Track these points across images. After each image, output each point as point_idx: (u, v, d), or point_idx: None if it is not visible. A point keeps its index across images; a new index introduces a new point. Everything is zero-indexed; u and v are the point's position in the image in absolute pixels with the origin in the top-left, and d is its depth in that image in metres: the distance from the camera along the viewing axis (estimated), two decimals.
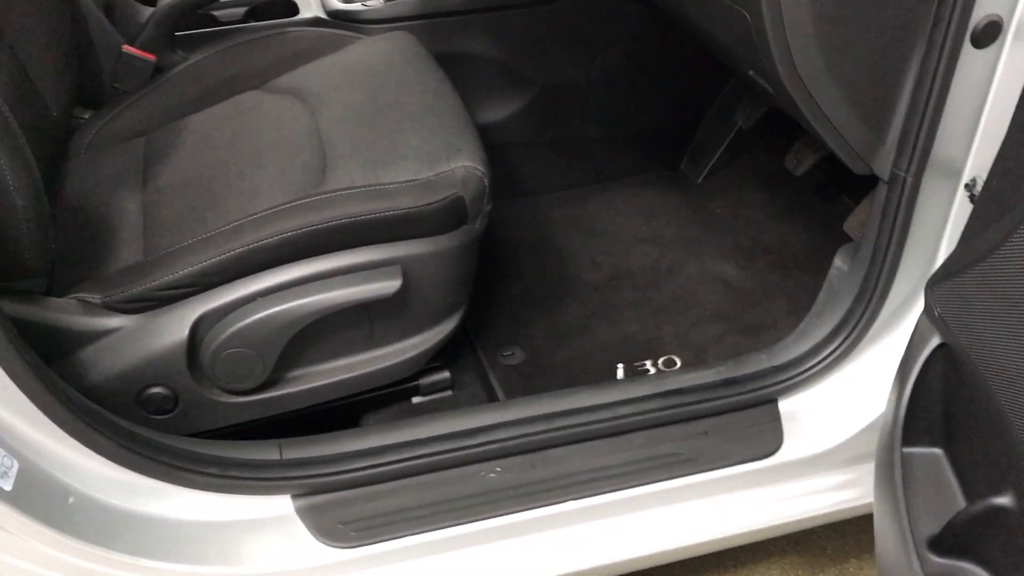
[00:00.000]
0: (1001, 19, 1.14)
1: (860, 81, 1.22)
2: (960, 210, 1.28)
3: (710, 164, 2.11)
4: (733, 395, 1.40)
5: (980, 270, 0.92)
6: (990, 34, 1.15)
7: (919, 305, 1.24)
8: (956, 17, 1.13)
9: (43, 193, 1.20)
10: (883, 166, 1.28)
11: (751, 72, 1.37)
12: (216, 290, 1.29)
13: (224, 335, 1.29)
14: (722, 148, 2.10)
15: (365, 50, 1.71)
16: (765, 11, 1.15)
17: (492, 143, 2.02)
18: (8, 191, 1.12)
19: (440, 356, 1.52)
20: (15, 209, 1.14)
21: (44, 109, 1.54)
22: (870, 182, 1.34)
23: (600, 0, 1.93)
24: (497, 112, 2.04)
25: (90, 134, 1.68)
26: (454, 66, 1.73)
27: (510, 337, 1.72)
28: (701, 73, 2.04)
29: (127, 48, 1.79)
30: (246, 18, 2.03)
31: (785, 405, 1.43)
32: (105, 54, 1.79)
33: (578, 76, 2.04)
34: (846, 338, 1.37)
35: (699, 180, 2.12)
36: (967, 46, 1.15)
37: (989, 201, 0.99)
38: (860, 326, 1.37)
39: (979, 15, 1.13)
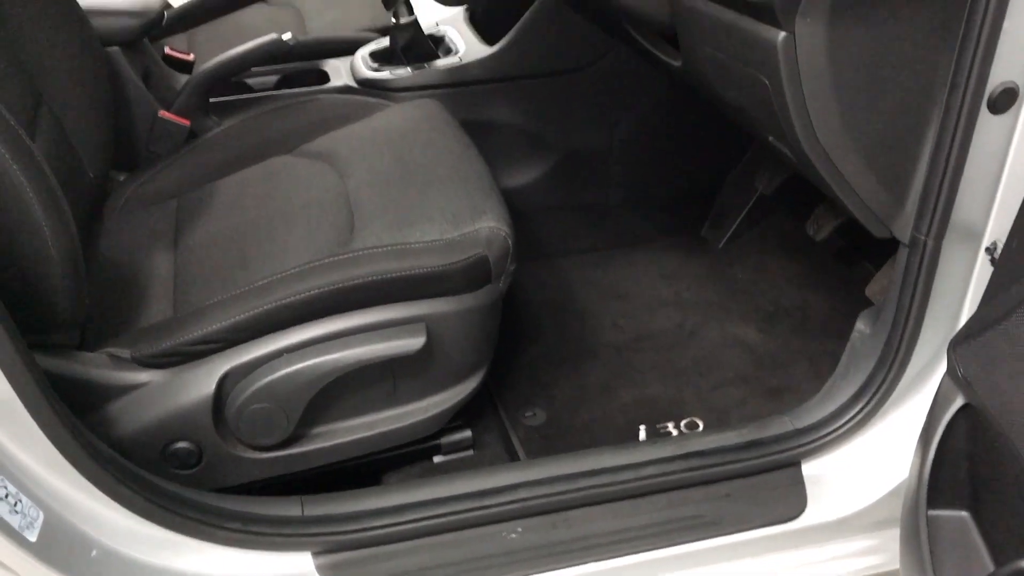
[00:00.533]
0: (1017, 86, 1.16)
1: (879, 145, 1.24)
2: (981, 273, 1.28)
3: (731, 229, 2.13)
4: (756, 457, 1.39)
5: (1003, 329, 0.92)
6: (1007, 100, 1.16)
7: (942, 368, 1.24)
8: (972, 83, 1.15)
9: (79, 250, 1.24)
10: (903, 230, 1.30)
11: (771, 138, 1.39)
12: (243, 346, 1.31)
13: (250, 391, 1.30)
14: (743, 214, 2.12)
15: (393, 116, 1.75)
16: (784, 77, 1.18)
17: (516, 207, 2.05)
18: (46, 247, 1.15)
19: (462, 415, 1.53)
20: (52, 264, 1.17)
21: (81, 171, 1.58)
22: (891, 248, 1.35)
23: (620, 69, 1.98)
24: (521, 177, 2.08)
25: (124, 196, 1.73)
26: (479, 133, 1.77)
27: (532, 398, 1.72)
28: (722, 140, 2.07)
29: (163, 113, 1.85)
30: (278, 86, 2.10)
31: (808, 468, 1.42)
32: (141, 119, 1.86)
33: (600, 142, 2.08)
34: (869, 400, 1.37)
35: (720, 245, 2.13)
36: (984, 112, 1.17)
37: (1010, 261, 1.00)
38: (883, 389, 1.37)
39: (995, 82, 1.15)
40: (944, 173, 1.21)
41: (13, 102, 1.39)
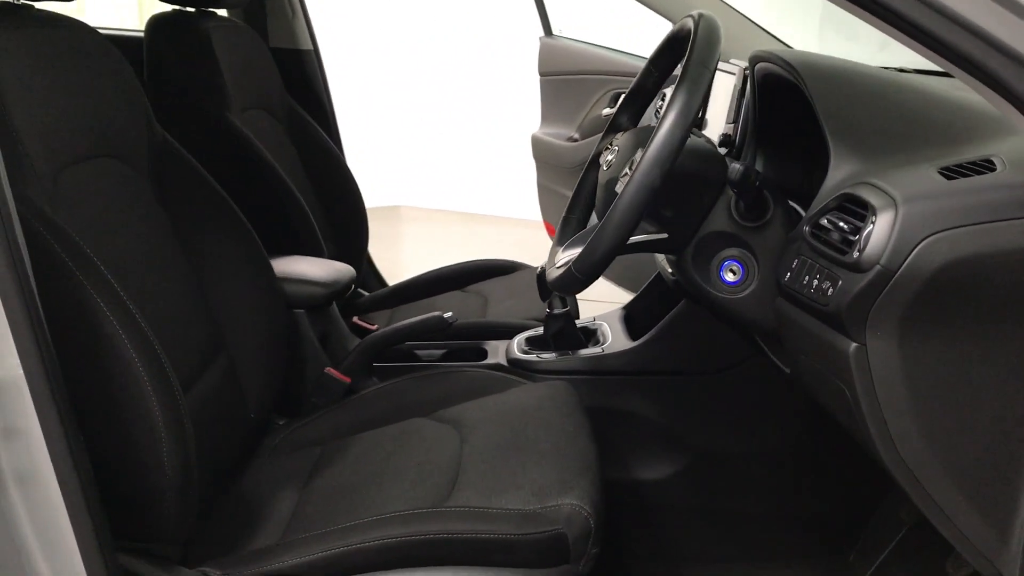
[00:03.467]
0: None
1: (972, 471, 1.17)
2: None
3: (878, 561, 1.97)
4: None
5: None
6: None
7: None
8: None
9: (194, 470, 1.37)
10: (1011, 570, 1.18)
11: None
12: None
13: None
14: (892, 545, 1.96)
15: (524, 394, 1.85)
16: (859, 387, 1.17)
17: (646, 503, 2.03)
18: (161, 462, 1.30)
19: None
20: (164, 478, 1.31)
21: (243, 409, 1.78)
22: None
23: (761, 375, 1.98)
24: (653, 472, 2.07)
25: (278, 438, 1.91)
26: (613, 422, 1.81)
27: None
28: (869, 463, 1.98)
29: (328, 370, 2.06)
30: (443, 359, 2.28)
31: None
32: (311, 373, 2.08)
33: (739, 447, 2.04)
34: None
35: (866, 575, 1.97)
36: None
37: None
38: None
39: None
40: None
41: (196, 341, 1.63)
